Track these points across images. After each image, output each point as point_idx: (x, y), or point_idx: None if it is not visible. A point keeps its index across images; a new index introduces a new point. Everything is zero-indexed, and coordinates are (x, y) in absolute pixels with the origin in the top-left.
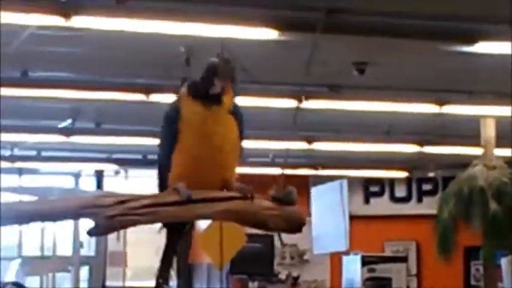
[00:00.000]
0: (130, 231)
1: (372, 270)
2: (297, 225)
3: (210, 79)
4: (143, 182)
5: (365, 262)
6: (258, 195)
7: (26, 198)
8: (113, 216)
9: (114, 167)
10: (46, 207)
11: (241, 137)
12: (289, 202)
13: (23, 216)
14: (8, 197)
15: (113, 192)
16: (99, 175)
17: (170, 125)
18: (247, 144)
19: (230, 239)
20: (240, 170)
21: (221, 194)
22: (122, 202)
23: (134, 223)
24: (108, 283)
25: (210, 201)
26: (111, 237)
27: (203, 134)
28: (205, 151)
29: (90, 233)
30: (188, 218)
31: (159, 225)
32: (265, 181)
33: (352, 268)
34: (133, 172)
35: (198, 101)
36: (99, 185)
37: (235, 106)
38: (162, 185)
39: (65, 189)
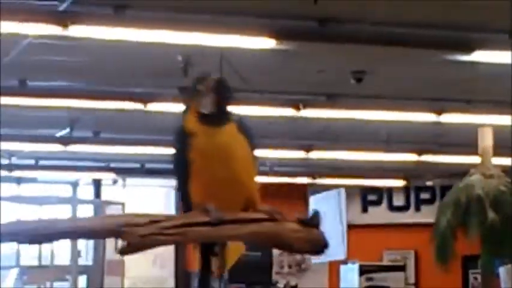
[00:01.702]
0: None
1: (369, 279)
2: (320, 247)
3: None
4: (141, 191)
5: (363, 271)
6: (283, 218)
7: (24, 207)
8: (145, 235)
9: (112, 175)
10: (85, 224)
11: (253, 152)
12: (314, 225)
13: (59, 233)
14: (6, 206)
15: (147, 212)
16: (97, 184)
17: (180, 152)
18: None
19: (229, 247)
20: None
21: (250, 216)
22: (154, 222)
23: (165, 243)
24: None
25: (239, 222)
26: (109, 246)
27: (212, 155)
28: (218, 173)
29: (122, 252)
30: (217, 239)
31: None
32: (262, 189)
33: (350, 277)
34: (131, 181)
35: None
36: (97, 194)
37: (240, 121)
38: (186, 206)
39: (62, 198)
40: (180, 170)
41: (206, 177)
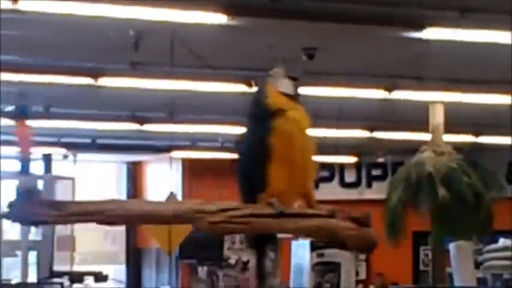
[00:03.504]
0: None
1: (320, 255)
2: (370, 245)
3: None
4: (91, 166)
5: (314, 247)
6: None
7: None
8: (215, 222)
9: (63, 150)
10: (156, 209)
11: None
12: (366, 223)
13: (132, 216)
14: None
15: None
16: (48, 159)
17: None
18: (197, 128)
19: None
20: (189, 154)
21: (309, 211)
22: (223, 210)
23: (232, 231)
24: (55, 267)
25: (299, 216)
26: None
27: (297, 130)
28: (298, 149)
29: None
30: (279, 230)
31: None
32: (214, 165)
33: (301, 253)
34: (82, 156)
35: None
36: (47, 169)
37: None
38: (248, 194)
39: (12, 173)
40: (260, 147)
41: (287, 153)
